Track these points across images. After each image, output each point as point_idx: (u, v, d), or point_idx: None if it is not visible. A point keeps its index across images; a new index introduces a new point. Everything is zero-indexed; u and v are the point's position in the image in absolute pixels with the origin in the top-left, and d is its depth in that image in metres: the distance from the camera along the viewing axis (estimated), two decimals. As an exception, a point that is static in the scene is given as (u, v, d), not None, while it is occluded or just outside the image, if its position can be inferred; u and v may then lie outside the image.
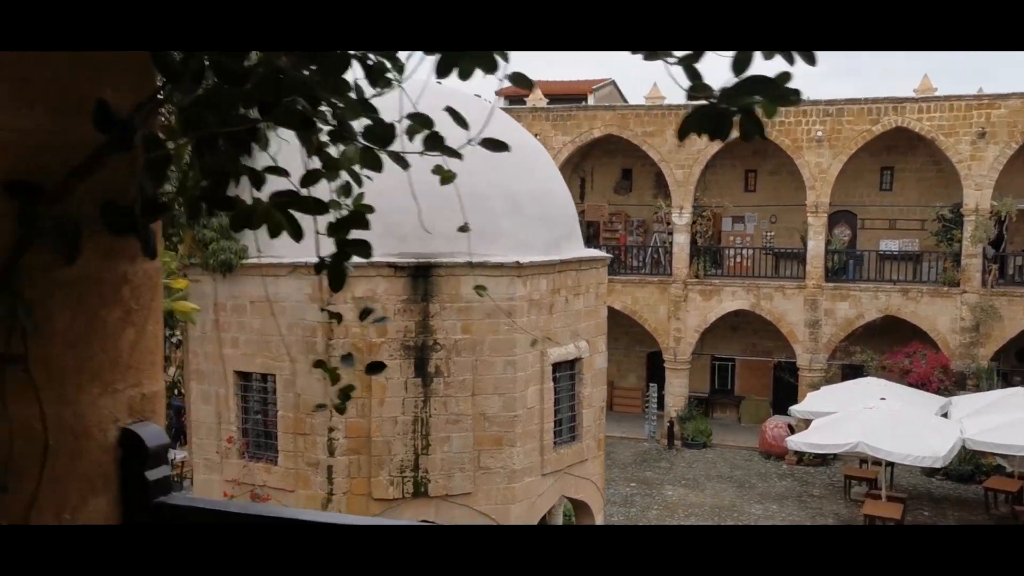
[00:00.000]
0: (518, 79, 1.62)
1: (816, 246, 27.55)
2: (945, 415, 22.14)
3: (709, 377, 31.47)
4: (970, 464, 23.71)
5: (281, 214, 1.88)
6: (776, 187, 30.38)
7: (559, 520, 16.16)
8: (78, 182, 1.64)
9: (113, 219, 1.71)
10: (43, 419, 1.65)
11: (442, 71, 1.74)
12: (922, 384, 24.78)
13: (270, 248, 12.24)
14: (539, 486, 13.81)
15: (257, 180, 1.91)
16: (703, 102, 1.61)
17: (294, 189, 1.90)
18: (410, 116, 1.81)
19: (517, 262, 13.05)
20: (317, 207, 1.88)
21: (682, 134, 1.63)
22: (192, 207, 1.84)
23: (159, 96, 1.73)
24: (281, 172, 1.93)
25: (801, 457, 25.04)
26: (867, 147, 27.16)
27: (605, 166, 32.52)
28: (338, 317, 2.15)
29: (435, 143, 1.73)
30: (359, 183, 1.99)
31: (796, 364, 28.10)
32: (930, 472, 23.81)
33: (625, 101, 35.90)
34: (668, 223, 29.65)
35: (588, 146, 30.47)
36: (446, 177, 2.07)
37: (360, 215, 1.88)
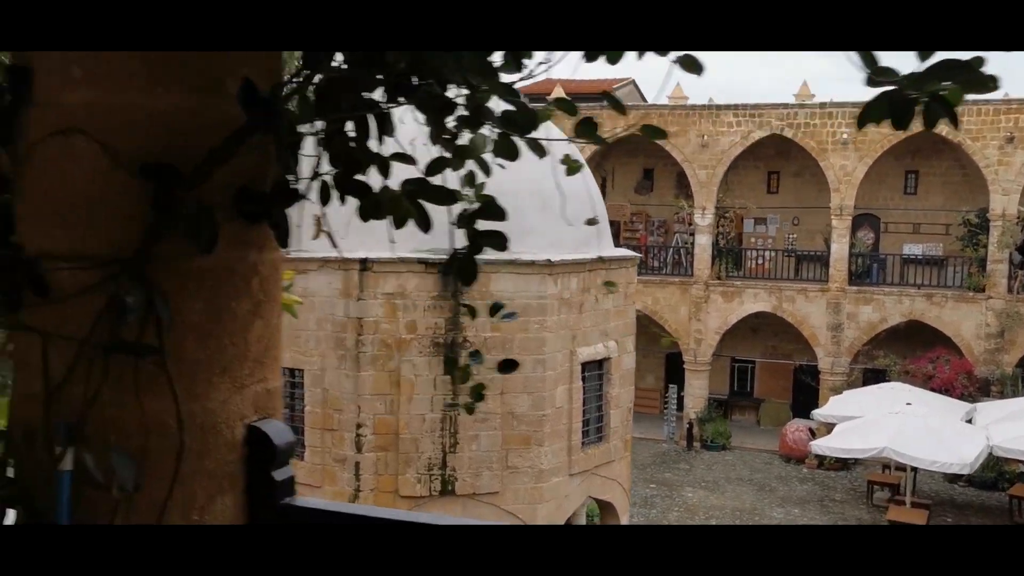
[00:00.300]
0: (688, 63, 1.53)
1: (840, 249, 27.33)
2: (970, 421, 21.92)
3: (728, 379, 31.29)
4: (993, 471, 23.48)
5: (410, 203, 1.80)
6: (799, 189, 30.17)
7: (582, 520, 16.05)
8: (217, 166, 1.56)
9: (248, 206, 1.62)
10: (178, 416, 1.57)
11: (591, 55, 1.65)
12: (945, 390, 24.55)
13: (299, 242, 12.18)
14: (566, 486, 13.70)
15: (384, 167, 1.83)
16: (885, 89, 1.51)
17: (420, 178, 1.82)
18: (555, 102, 1.72)
19: (548, 260, 12.96)
20: (448, 196, 1.79)
21: (862, 122, 1.54)
22: (323, 193, 1.76)
23: (299, 78, 1.65)
24: (408, 159, 1.85)
25: (822, 461, 24.83)
26: (892, 150, 26.92)
27: (626, 166, 32.37)
28: (472, 312, 2.07)
29: (586, 130, 1.64)
30: (488, 172, 1.91)
31: (817, 367, 27.89)
32: (953, 478, 23.60)
33: (644, 100, 35.74)
34: (689, 223, 29.48)
35: (609, 145, 30.31)
36: (573, 167, 1.98)
37: (495, 205, 1.79)
